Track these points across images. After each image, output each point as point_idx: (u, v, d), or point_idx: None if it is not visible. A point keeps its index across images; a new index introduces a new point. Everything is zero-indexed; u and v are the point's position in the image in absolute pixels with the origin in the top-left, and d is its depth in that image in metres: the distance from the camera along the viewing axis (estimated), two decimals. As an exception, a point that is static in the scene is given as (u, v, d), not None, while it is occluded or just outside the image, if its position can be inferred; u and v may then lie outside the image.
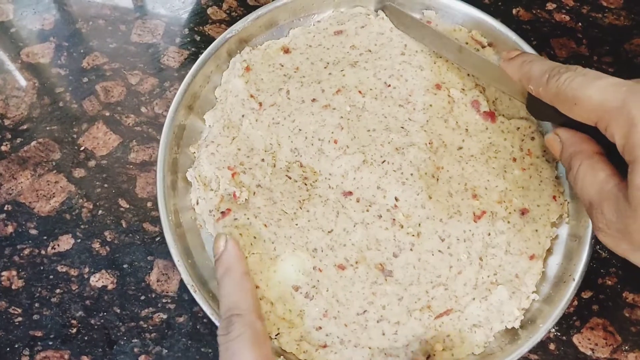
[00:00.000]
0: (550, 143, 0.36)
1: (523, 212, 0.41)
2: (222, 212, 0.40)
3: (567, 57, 0.53)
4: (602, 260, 0.44)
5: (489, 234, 0.40)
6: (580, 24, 0.55)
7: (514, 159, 0.43)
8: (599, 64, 0.52)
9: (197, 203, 0.41)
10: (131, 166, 0.48)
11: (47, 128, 0.49)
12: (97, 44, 0.53)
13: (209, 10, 0.55)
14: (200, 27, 0.54)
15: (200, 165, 0.42)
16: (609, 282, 0.44)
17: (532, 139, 0.44)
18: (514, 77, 0.37)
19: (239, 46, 0.46)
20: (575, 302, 0.43)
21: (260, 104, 0.44)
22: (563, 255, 0.41)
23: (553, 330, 0.42)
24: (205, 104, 0.45)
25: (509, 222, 0.41)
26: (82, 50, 0.53)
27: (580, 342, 0.42)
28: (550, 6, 0.56)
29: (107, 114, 0.50)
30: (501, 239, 0.40)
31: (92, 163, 0.48)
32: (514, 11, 0.55)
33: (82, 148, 0.48)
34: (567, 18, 0.55)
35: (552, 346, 0.42)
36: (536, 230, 0.41)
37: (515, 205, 0.41)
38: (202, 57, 0.44)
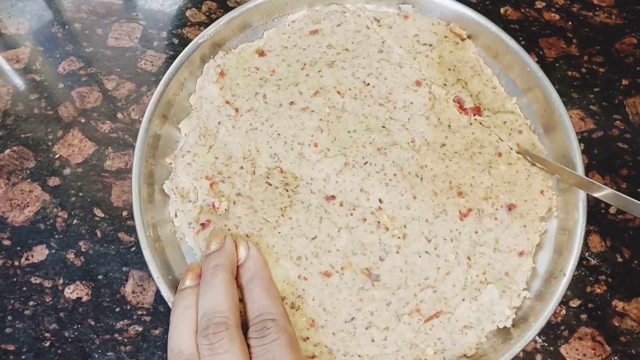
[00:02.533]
0: None
1: (510, 207, 0.40)
2: (202, 224, 0.39)
3: (556, 57, 0.51)
4: (591, 267, 0.43)
5: (476, 232, 0.39)
6: (570, 22, 0.53)
7: (500, 154, 0.42)
8: (590, 64, 0.51)
9: (176, 215, 0.40)
10: (107, 174, 0.46)
11: (22, 136, 0.48)
12: (73, 48, 0.52)
13: (188, 13, 0.54)
14: (179, 30, 0.53)
15: (177, 176, 0.41)
16: (598, 290, 0.42)
17: (520, 132, 0.43)
18: None
19: (212, 51, 0.45)
20: (563, 312, 0.42)
21: (237, 109, 0.43)
22: (553, 250, 0.40)
23: (540, 340, 0.41)
24: (180, 112, 0.43)
25: (496, 218, 0.40)
26: (57, 55, 0.52)
27: (568, 353, 0.40)
28: (540, 4, 0.54)
29: (83, 120, 0.49)
30: (489, 237, 0.39)
31: (67, 171, 0.47)
32: (502, 10, 0.54)
33: (57, 156, 0.47)
34: (557, 17, 0.54)
35: (539, 357, 0.40)
36: (524, 226, 0.40)
37: (502, 201, 0.40)
38: (174, 64, 0.43)
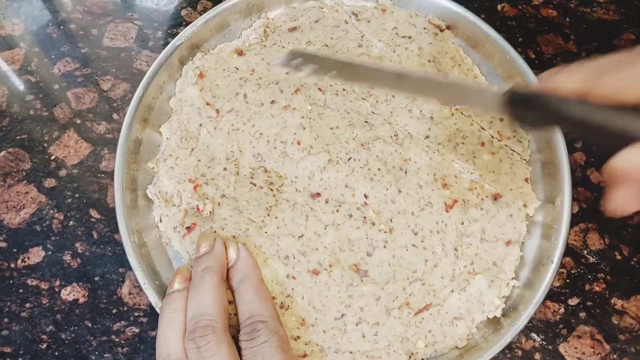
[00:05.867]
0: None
1: (495, 197, 0.40)
2: (188, 228, 0.39)
3: (554, 53, 0.51)
4: (589, 265, 0.43)
5: (462, 223, 0.39)
6: (568, 19, 0.53)
7: (483, 144, 0.42)
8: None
9: (161, 220, 0.40)
10: (102, 175, 0.46)
11: (17, 137, 0.48)
12: (69, 49, 0.52)
13: (183, 12, 0.53)
14: (174, 30, 0.52)
15: (159, 181, 0.40)
16: (597, 288, 0.42)
17: (501, 119, 0.43)
18: (568, 86, 0.28)
19: (190, 52, 0.44)
20: (562, 310, 0.41)
21: (218, 110, 0.42)
22: (540, 238, 0.40)
23: (539, 339, 0.41)
24: (160, 115, 0.43)
25: (481, 208, 0.40)
26: (52, 56, 0.51)
27: (566, 352, 0.40)
28: (537, 1, 0.54)
29: (79, 121, 0.48)
30: (475, 227, 0.39)
31: (63, 172, 0.46)
32: (499, 7, 0.53)
33: (52, 157, 0.47)
34: (555, 13, 0.53)
35: (537, 356, 0.40)
36: (510, 215, 0.40)
37: (487, 191, 0.40)
38: (152, 67, 0.42)
